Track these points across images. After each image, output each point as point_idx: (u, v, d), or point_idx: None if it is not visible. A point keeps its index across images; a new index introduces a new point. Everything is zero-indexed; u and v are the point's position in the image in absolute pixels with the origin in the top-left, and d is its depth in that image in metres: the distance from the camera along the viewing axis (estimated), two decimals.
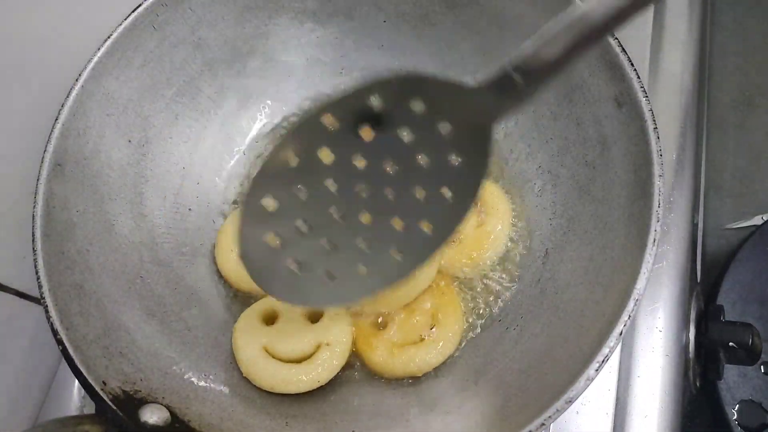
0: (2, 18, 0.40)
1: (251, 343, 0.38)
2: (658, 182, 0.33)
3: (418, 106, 0.29)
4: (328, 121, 0.29)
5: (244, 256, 0.32)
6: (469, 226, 0.41)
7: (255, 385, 0.38)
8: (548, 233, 0.40)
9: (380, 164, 0.31)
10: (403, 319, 0.39)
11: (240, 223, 0.31)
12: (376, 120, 0.29)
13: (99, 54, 0.39)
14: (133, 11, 0.40)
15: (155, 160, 0.43)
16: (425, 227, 0.31)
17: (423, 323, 0.39)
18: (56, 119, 0.37)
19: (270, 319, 0.40)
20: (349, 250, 0.32)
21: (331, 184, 0.31)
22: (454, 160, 0.30)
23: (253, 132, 0.48)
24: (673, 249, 0.45)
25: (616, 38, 0.36)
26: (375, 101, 0.29)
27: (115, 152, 0.40)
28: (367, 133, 0.30)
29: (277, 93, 0.48)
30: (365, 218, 0.32)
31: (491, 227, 0.41)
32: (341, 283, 0.32)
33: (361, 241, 0.32)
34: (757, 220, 0.50)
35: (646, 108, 0.34)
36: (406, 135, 0.30)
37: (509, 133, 0.44)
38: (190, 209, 0.44)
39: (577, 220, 0.39)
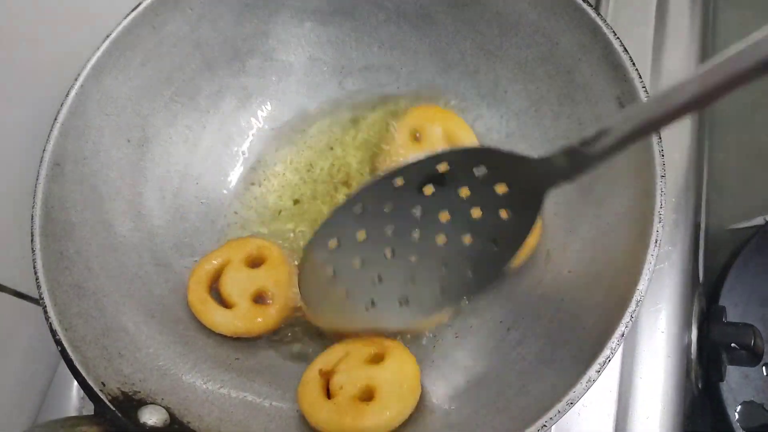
0: (2, 18, 0.40)
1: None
2: (660, 183, 0.33)
3: (480, 170, 0.32)
4: (398, 182, 0.32)
5: (302, 285, 0.36)
6: None
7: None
8: (549, 234, 0.40)
9: (436, 214, 0.34)
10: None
11: (303, 259, 0.35)
12: (439, 180, 0.32)
13: (98, 53, 0.39)
14: (132, 11, 0.40)
15: (154, 159, 0.43)
16: (468, 271, 0.35)
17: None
18: (55, 119, 0.37)
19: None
20: (394, 283, 0.36)
21: (388, 230, 0.35)
22: (505, 215, 0.33)
23: (253, 132, 0.48)
24: (675, 250, 0.45)
25: (618, 38, 0.36)
26: (443, 167, 0.32)
27: (114, 152, 0.40)
28: (428, 190, 0.33)
29: (277, 92, 0.48)
30: (414, 258, 0.35)
31: None
32: (382, 311, 0.37)
33: (406, 279, 0.36)
34: (760, 221, 0.50)
35: None
36: (464, 191, 0.33)
37: (511, 133, 0.44)
38: (189, 209, 0.44)
39: (578, 221, 0.38)
